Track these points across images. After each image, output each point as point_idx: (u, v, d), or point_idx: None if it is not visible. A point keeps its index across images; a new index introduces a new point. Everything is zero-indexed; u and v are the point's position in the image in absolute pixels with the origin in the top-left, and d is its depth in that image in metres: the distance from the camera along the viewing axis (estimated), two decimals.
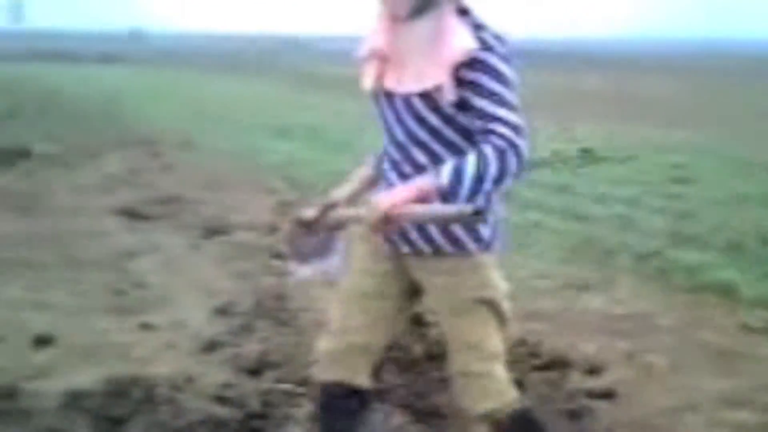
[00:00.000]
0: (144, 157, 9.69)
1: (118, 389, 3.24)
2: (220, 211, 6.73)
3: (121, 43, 63.40)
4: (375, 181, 2.42)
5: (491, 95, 2.05)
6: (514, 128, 2.04)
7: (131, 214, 6.57)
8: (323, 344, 2.38)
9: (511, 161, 2.02)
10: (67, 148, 10.25)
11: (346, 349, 2.32)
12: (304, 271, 2.54)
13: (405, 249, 2.26)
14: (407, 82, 2.17)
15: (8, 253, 5.26)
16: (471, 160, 2.01)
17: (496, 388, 2.26)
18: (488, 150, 2.02)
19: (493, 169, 2.00)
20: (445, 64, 2.08)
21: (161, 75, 27.57)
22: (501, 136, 2.03)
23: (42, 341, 3.81)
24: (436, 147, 2.19)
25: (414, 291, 2.36)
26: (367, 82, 2.24)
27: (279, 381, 3.42)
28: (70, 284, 4.53)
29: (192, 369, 3.52)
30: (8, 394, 3.20)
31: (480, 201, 2.06)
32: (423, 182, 2.03)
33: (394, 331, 2.42)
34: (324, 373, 2.35)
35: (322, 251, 2.50)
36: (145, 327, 4.06)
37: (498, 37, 2.10)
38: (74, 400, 3.18)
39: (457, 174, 2.00)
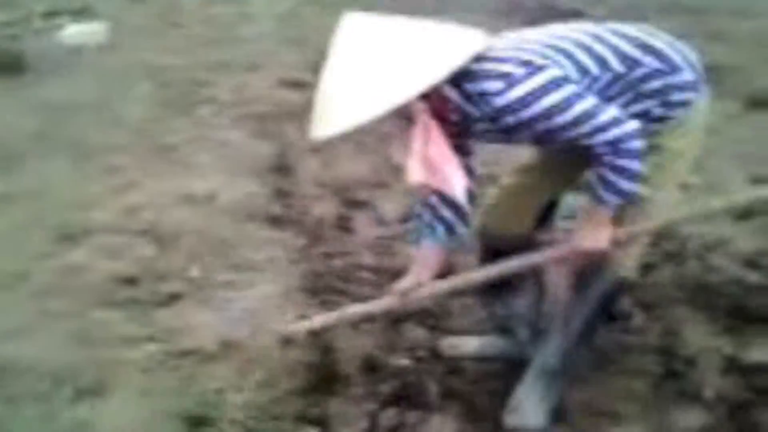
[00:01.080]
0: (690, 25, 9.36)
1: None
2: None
3: None
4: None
5: (547, 114, 1.99)
6: (596, 131, 2.01)
7: None
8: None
9: (627, 151, 2.03)
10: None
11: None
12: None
13: None
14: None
15: None
16: (606, 174, 2.09)
17: None
18: (606, 159, 2.06)
19: (624, 163, 2.05)
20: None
21: None
22: (598, 146, 2.04)
23: None
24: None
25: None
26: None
27: None
28: None
29: (725, 232, 3.53)
30: None
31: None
32: (599, 215, 2.19)
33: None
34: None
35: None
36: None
37: (523, 62, 2.01)
38: None
39: (610, 189, 2.12)
